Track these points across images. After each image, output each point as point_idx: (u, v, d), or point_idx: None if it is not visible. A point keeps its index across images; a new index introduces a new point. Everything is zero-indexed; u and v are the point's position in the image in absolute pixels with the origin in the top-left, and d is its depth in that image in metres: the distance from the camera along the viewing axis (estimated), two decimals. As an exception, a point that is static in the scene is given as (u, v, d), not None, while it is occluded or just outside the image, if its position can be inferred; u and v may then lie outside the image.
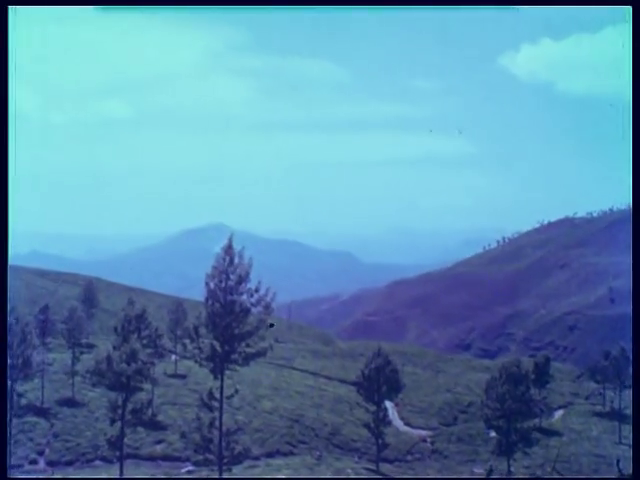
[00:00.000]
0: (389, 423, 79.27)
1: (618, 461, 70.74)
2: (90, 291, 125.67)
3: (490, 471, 72.77)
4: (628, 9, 32.13)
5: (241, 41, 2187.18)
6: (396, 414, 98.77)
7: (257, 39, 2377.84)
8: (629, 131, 31.98)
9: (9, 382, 59.28)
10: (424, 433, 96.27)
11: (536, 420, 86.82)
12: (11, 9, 29.92)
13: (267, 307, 48.10)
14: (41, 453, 74.39)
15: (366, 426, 74.66)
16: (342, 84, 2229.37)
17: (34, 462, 72.88)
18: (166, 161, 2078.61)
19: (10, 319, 58.70)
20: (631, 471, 31.94)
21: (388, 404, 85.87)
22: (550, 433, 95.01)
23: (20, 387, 63.22)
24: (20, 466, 70.58)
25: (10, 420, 59.94)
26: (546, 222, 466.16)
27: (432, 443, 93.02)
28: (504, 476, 72.41)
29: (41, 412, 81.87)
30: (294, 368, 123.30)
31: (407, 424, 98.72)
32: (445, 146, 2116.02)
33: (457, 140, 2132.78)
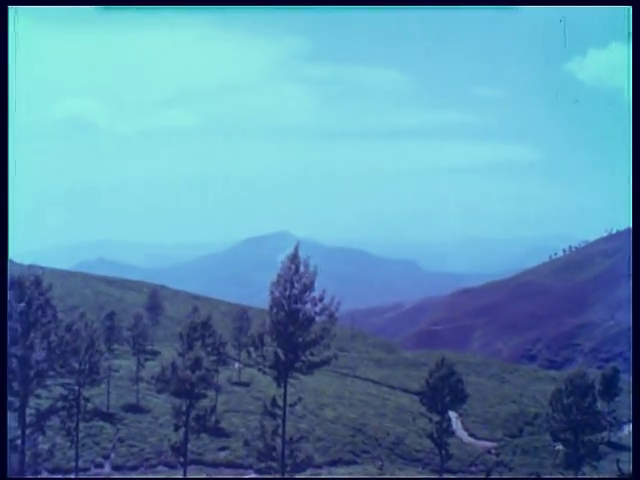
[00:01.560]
0: (453, 434, 78.32)
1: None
2: (155, 299, 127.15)
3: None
4: (628, 9, 31.80)
5: (304, 49, 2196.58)
6: (460, 424, 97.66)
7: (319, 47, 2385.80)
8: (629, 131, 31.32)
9: (77, 387, 60.30)
10: (489, 444, 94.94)
11: (604, 434, 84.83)
12: (11, 9, 30.18)
13: (331, 316, 47.98)
14: (107, 457, 75.48)
15: (429, 436, 73.80)
16: (405, 92, 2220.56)
17: (100, 466, 74.01)
18: (230, 169, 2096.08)
19: (79, 324, 59.73)
20: (631, 471, 31.26)
21: (452, 414, 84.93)
22: (620, 447, 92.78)
23: (87, 392, 64.09)
24: (87, 469, 71.74)
25: (77, 424, 60.91)
26: (614, 230, 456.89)
27: (497, 455, 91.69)
28: (504, 476, 71.41)
29: (107, 417, 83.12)
30: (357, 377, 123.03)
31: (471, 435, 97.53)
32: (509, 154, 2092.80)
33: (521, 148, 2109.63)
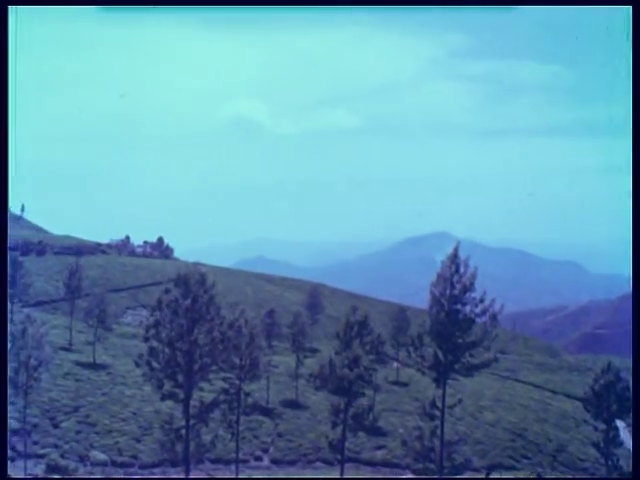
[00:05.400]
0: (621, 444, 74.70)
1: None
2: (315, 297, 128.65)
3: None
4: (628, 9, 30.35)
5: (462, 47, 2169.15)
6: (628, 435, 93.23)
7: (477, 45, 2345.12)
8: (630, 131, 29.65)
9: (237, 382, 61.65)
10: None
11: None
12: (11, 9, 30.62)
13: (493, 318, 46.91)
14: (266, 451, 76.91)
15: (595, 445, 70.74)
16: (566, 87, 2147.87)
17: (259, 459, 75.52)
18: (390, 169, 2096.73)
19: (240, 321, 61.04)
20: (631, 470, 29.24)
21: (619, 423, 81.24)
22: None
23: (247, 387, 65.49)
24: (246, 461, 73.31)
25: (238, 417, 62.28)
26: None
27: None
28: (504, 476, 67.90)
29: (266, 412, 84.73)
30: (518, 380, 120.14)
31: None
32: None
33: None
